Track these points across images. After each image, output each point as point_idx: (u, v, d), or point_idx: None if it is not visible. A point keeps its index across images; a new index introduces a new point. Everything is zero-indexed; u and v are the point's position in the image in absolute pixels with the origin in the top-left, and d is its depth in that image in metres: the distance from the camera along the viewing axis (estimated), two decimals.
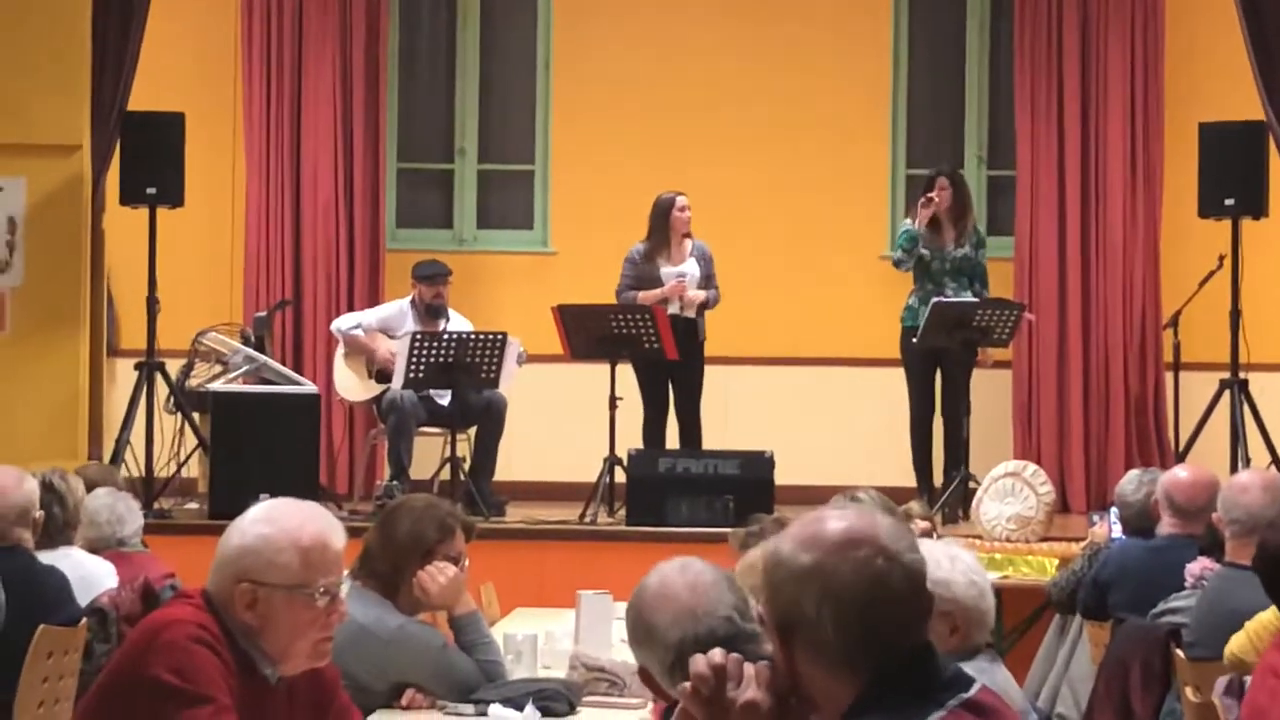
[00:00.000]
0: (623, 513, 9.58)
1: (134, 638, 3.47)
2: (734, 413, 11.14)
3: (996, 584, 5.82)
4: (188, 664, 3.30)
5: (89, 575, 6.10)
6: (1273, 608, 5.05)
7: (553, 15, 12.08)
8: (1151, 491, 6.80)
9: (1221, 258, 10.13)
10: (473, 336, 9.89)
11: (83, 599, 5.87)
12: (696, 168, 11.50)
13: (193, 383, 9.97)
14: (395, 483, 9.74)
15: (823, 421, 11.62)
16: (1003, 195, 12.04)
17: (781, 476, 9.47)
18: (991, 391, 10.98)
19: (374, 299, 11.42)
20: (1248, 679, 4.66)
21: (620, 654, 4.94)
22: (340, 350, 10.53)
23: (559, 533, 9.48)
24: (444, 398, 10.09)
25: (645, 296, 10.13)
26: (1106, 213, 11.56)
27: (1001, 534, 9.07)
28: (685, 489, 9.40)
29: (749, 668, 2.53)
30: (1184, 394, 10.68)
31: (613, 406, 9.69)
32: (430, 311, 10.38)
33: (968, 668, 2.80)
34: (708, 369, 10.38)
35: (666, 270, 10.27)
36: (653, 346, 9.83)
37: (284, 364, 10.63)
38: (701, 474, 9.47)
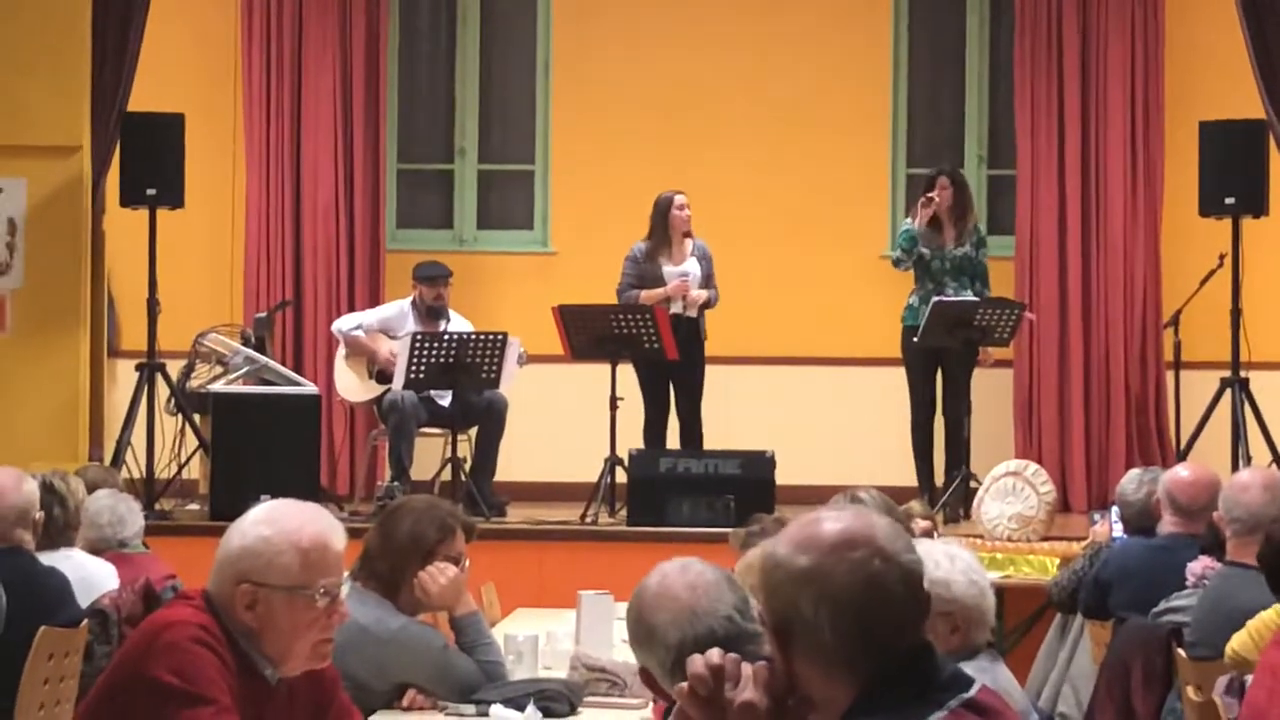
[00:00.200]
0: (624, 513, 9.58)
1: (135, 639, 3.47)
2: (735, 412, 11.14)
3: (998, 584, 5.83)
4: (188, 665, 3.30)
5: (90, 577, 6.10)
6: (1275, 606, 5.05)
7: (553, 15, 12.08)
8: (1153, 491, 6.80)
9: (1222, 256, 10.13)
10: (473, 337, 9.89)
11: (83, 600, 5.87)
12: (696, 167, 11.50)
13: (193, 384, 9.97)
14: (396, 483, 9.74)
15: (824, 421, 11.62)
16: (1003, 194, 12.04)
17: (782, 476, 9.47)
18: (992, 391, 10.98)
19: (374, 300, 11.42)
20: (1248, 678, 4.66)
21: (621, 654, 4.93)
22: (341, 351, 10.53)
23: (560, 533, 9.48)
24: (445, 398, 10.09)
25: (648, 296, 10.13)
26: (1107, 212, 11.56)
27: (1003, 533, 9.07)
28: (686, 489, 9.39)
29: (747, 668, 2.53)
30: (1185, 393, 10.67)
31: (613, 407, 9.69)
32: (431, 312, 10.38)
33: (969, 667, 2.80)
34: (709, 368, 10.38)
35: (669, 270, 10.26)
36: (653, 346, 9.83)
37: (284, 365, 10.63)
38: (702, 474, 9.46)
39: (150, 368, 9.80)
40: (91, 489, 6.66)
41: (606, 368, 9.81)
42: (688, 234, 10.38)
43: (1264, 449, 9.86)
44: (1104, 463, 11.47)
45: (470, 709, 4.68)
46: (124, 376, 10.56)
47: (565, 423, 11.16)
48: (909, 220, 10.50)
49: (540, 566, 8.99)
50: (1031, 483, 9.19)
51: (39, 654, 5.46)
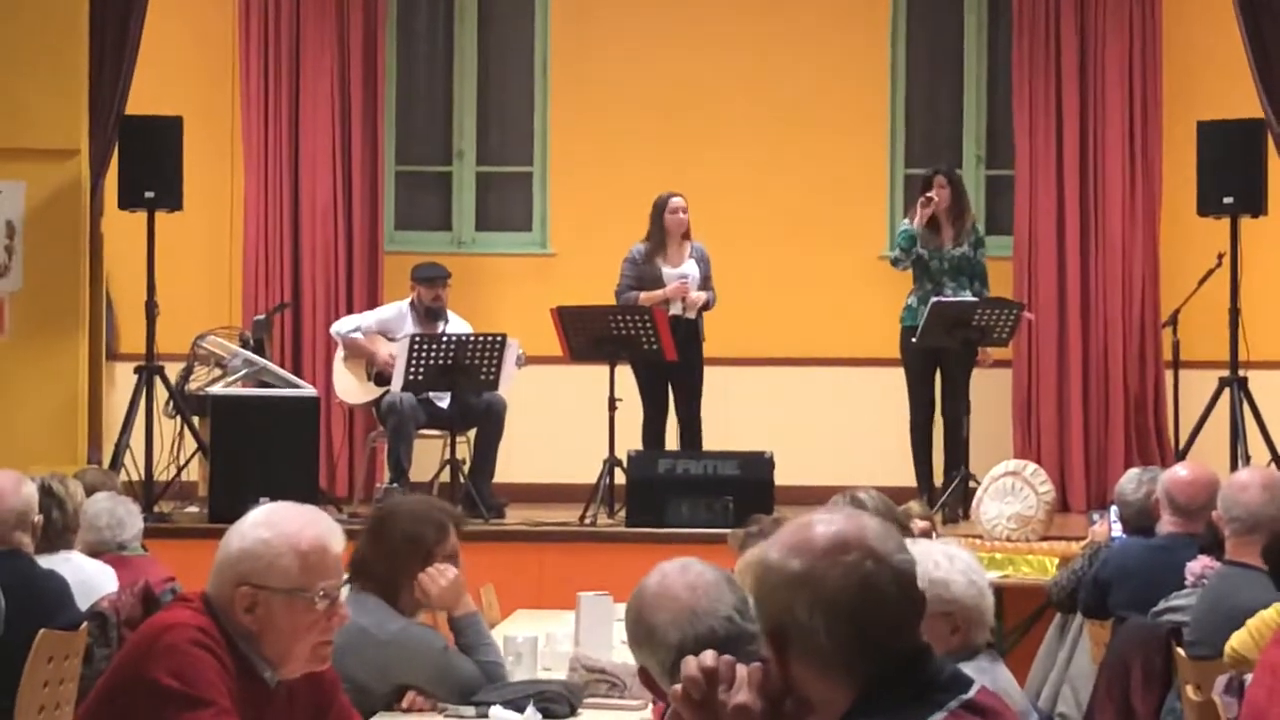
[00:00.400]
0: (623, 514, 9.58)
1: (134, 641, 3.47)
2: (733, 413, 11.14)
3: (997, 584, 5.83)
4: (188, 667, 3.30)
5: (89, 579, 6.09)
6: (1275, 605, 5.06)
7: (551, 17, 12.08)
8: (1151, 490, 6.80)
9: (1220, 256, 10.13)
10: (472, 339, 9.89)
11: (83, 603, 5.87)
12: (695, 168, 11.50)
13: (192, 386, 9.96)
14: (395, 485, 9.74)
15: (822, 422, 11.62)
16: (1002, 194, 12.04)
17: (781, 477, 9.47)
18: (991, 391, 10.98)
19: (373, 301, 11.42)
20: (1248, 677, 4.66)
21: (620, 655, 4.93)
22: (339, 353, 10.53)
23: (559, 534, 9.47)
24: (443, 400, 10.09)
25: (647, 297, 10.13)
26: (1105, 211, 11.56)
27: (1002, 533, 9.07)
28: (685, 490, 9.39)
29: (741, 670, 2.53)
30: (1183, 392, 10.67)
31: (612, 408, 9.69)
32: (429, 314, 10.38)
33: (968, 667, 2.80)
34: (708, 369, 10.38)
35: (668, 271, 10.26)
36: (652, 348, 9.83)
37: (283, 367, 10.62)
38: (701, 475, 9.46)
39: (149, 370, 9.79)
40: (90, 492, 6.66)
41: (605, 369, 9.81)
42: (686, 236, 10.38)
43: (1263, 448, 9.86)
44: (1103, 462, 11.47)
45: (470, 710, 4.68)
46: (123, 379, 10.55)
47: (564, 424, 11.16)
48: (907, 220, 10.50)
49: (539, 568, 8.99)
50: (1030, 483, 9.19)
51: (38, 657, 5.46)
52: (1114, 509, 7.38)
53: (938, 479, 10.23)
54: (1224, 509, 5.76)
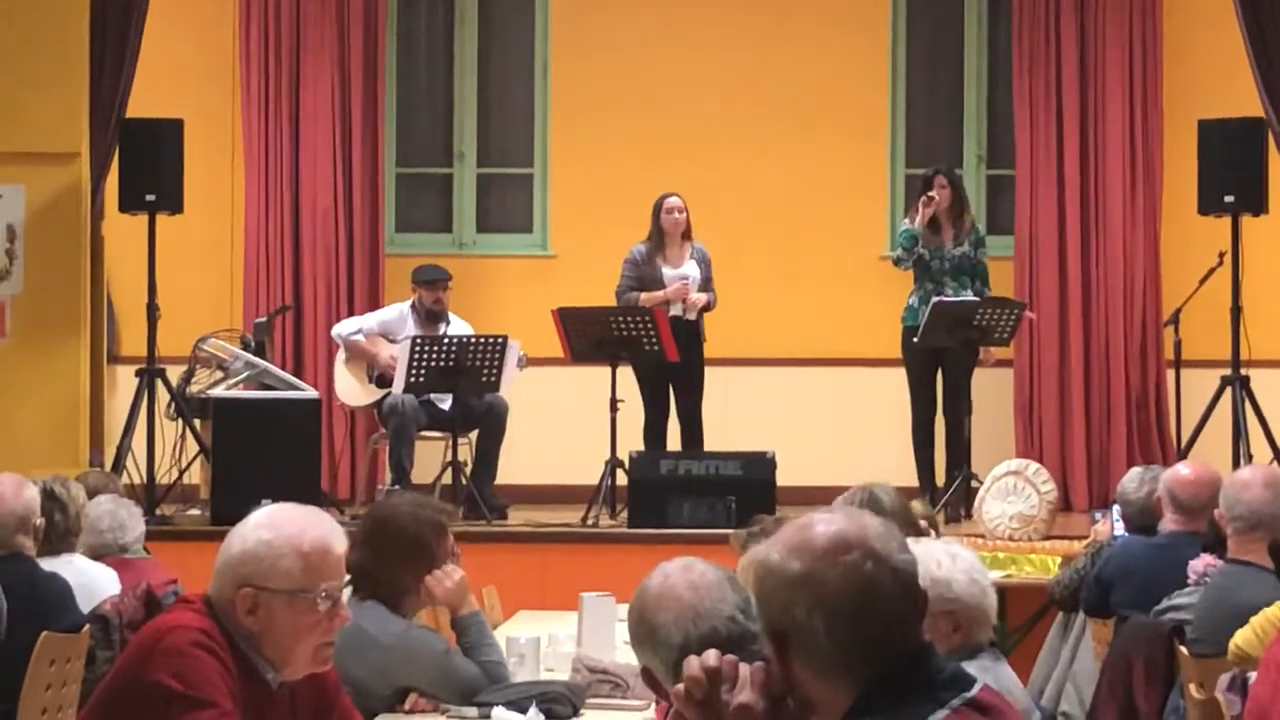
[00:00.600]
0: (624, 515, 9.57)
1: (136, 643, 3.47)
2: (735, 414, 11.14)
3: (1000, 583, 5.82)
4: (190, 669, 3.30)
5: (91, 582, 6.10)
6: (1278, 602, 5.06)
7: (550, 18, 12.08)
8: (1154, 489, 6.80)
9: (1222, 254, 10.12)
10: (473, 340, 9.89)
11: (85, 606, 5.87)
12: (696, 169, 11.50)
13: (194, 389, 9.97)
14: (397, 487, 9.74)
15: (824, 422, 11.61)
16: (1002, 194, 12.04)
17: (783, 477, 9.46)
18: (993, 390, 10.98)
19: (374, 304, 11.42)
20: (1251, 675, 4.66)
21: (623, 656, 4.93)
22: (341, 355, 10.53)
23: (561, 535, 9.47)
24: (445, 402, 10.09)
25: (647, 298, 10.13)
26: (1106, 210, 11.56)
27: (1004, 533, 9.07)
28: (687, 490, 9.39)
29: (744, 669, 2.53)
30: (1185, 391, 10.67)
31: (614, 409, 9.69)
32: (430, 315, 10.38)
33: (970, 667, 2.80)
34: (709, 370, 10.38)
35: (668, 272, 10.26)
36: (653, 348, 9.83)
37: (284, 369, 10.63)
38: (703, 475, 9.46)
39: (150, 373, 9.79)
40: (92, 494, 6.67)
41: (606, 370, 9.81)
42: (687, 236, 10.38)
43: (1265, 447, 9.86)
44: (1105, 461, 11.47)
45: (473, 711, 4.67)
46: (124, 382, 10.56)
47: (566, 425, 11.16)
48: (907, 220, 10.50)
49: (542, 569, 8.98)
50: (1032, 482, 9.18)
51: (41, 659, 5.46)
52: (1116, 508, 7.39)
53: (940, 479, 10.23)
54: (1226, 507, 5.76)
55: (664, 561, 3.11)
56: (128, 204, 9.87)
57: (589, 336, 9.85)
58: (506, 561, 8.70)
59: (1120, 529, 7.32)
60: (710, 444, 10.23)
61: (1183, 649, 5.55)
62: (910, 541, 2.65)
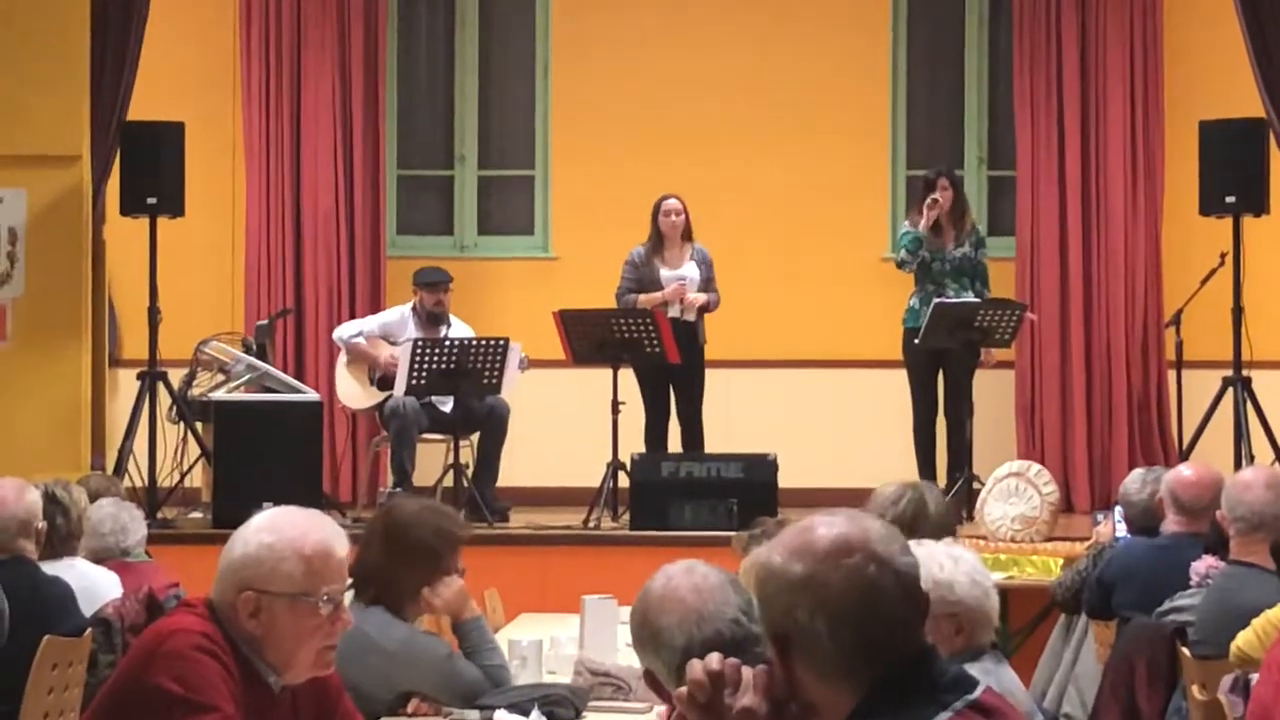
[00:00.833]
0: (626, 517, 9.57)
1: (138, 647, 3.46)
2: (736, 416, 11.14)
3: (1002, 585, 5.81)
4: (191, 673, 3.30)
5: (93, 586, 6.09)
6: None
7: (551, 19, 12.08)
8: (1156, 490, 6.80)
9: (1223, 255, 10.12)
10: (474, 342, 9.89)
11: (87, 609, 5.87)
12: (696, 169, 11.50)
13: (195, 392, 9.96)
14: (399, 490, 9.73)
15: (826, 424, 11.61)
16: (1003, 195, 12.04)
17: (785, 479, 9.46)
18: (994, 392, 10.98)
19: (375, 306, 11.43)
20: (1253, 676, 4.65)
21: (625, 658, 4.93)
22: (342, 358, 10.54)
23: (563, 538, 9.47)
24: (446, 404, 10.10)
25: (645, 299, 10.13)
26: (1107, 211, 11.56)
27: (1006, 534, 9.06)
28: (688, 493, 9.39)
29: (747, 673, 2.53)
30: (1187, 392, 10.67)
31: (615, 411, 9.69)
32: (431, 318, 10.38)
33: (973, 669, 2.80)
34: (710, 372, 10.38)
35: (666, 274, 10.27)
36: (654, 350, 9.83)
37: (286, 372, 10.63)
38: (704, 477, 9.46)
39: (152, 376, 9.79)
40: (94, 498, 6.66)
41: (608, 372, 9.81)
42: (688, 238, 10.38)
43: (1266, 448, 9.85)
44: (1106, 463, 11.46)
45: (475, 715, 4.67)
46: (125, 385, 10.56)
47: (567, 427, 11.16)
48: (907, 223, 10.49)
49: (543, 572, 8.98)
50: (1034, 483, 9.18)
51: (43, 663, 5.46)
52: (1118, 509, 7.38)
53: (941, 480, 10.21)
54: (1228, 508, 5.75)
55: (666, 564, 3.11)
56: (129, 207, 9.87)
57: (590, 338, 9.85)
58: (508, 564, 8.70)
59: (1122, 530, 7.31)
60: (712, 446, 10.23)
61: (1185, 650, 5.55)
62: (912, 544, 2.65)
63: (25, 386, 9.72)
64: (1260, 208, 10.06)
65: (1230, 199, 10.00)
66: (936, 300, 10.02)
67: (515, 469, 10.49)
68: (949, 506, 5.15)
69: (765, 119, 11.92)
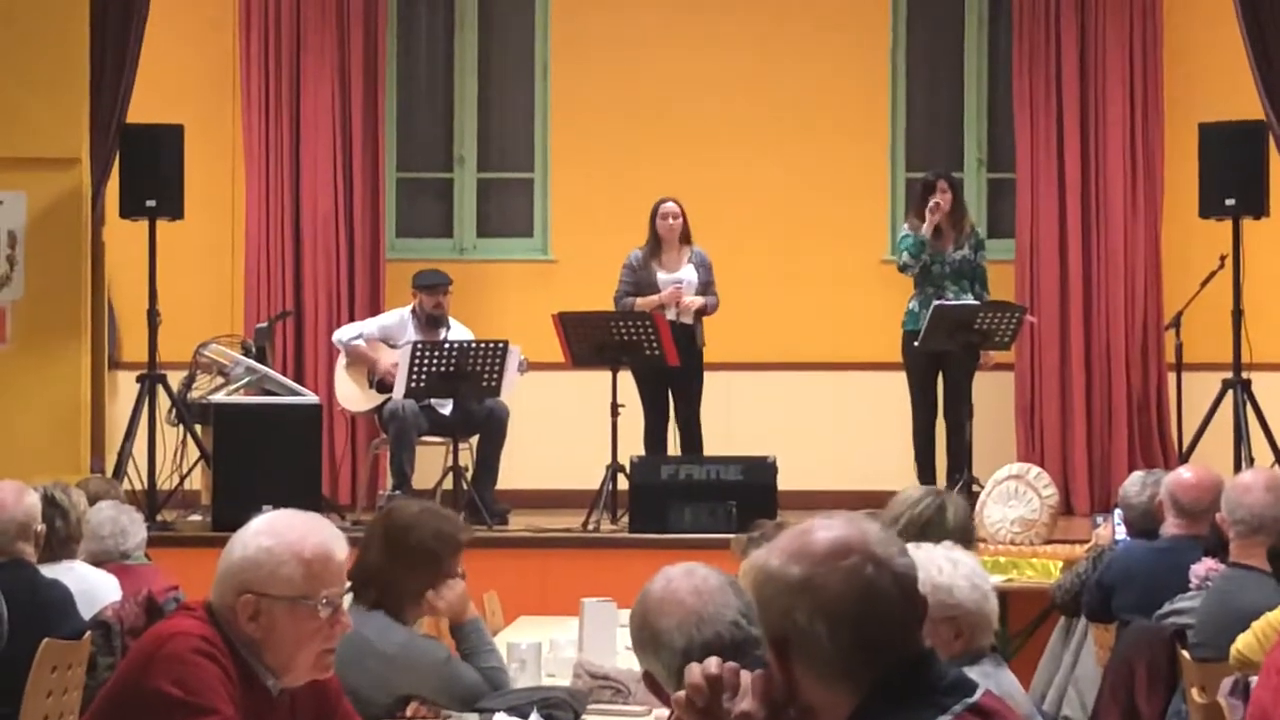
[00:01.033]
0: (625, 520, 9.57)
1: (137, 650, 3.46)
2: (736, 418, 11.14)
3: (1001, 588, 5.81)
4: (191, 676, 3.30)
5: (92, 588, 6.09)
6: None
7: (550, 22, 12.09)
8: (1155, 493, 6.79)
9: (1223, 257, 10.12)
10: (474, 345, 9.89)
11: (86, 612, 5.86)
12: (696, 172, 11.50)
13: (194, 394, 9.96)
14: (398, 492, 9.73)
15: (825, 426, 11.61)
16: (1003, 197, 12.04)
17: (784, 482, 9.46)
18: (994, 394, 10.97)
19: (374, 309, 11.43)
20: (1253, 679, 4.65)
21: (624, 661, 4.93)
22: (342, 361, 10.53)
23: (562, 541, 9.46)
24: (446, 407, 10.09)
25: (642, 303, 10.14)
26: (1107, 214, 11.56)
27: (1005, 537, 9.06)
28: (688, 495, 9.38)
29: (745, 677, 2.52)
30: (1186, 394, 10.67)
31: (614, 413, 9.69)
32: (431, 320, 10.38)
33: (972, 672, 2.79)
34: (709, 374, 10.37)
35: (663, 276, 10.27)
36: (654, 353, 9.83)
37: (285, 375, 10.62)
38: (704, 480, 9.46)
39: (151, 379, 9.79)
40: (93, 501, 6.66)
41: (607, 375, 9.81)
42: (686, 241, 10.38)
43: (1266, 450, 9.85)
44: (1106, 465, 11.46)
45: (474, 718, 4.67)
46: (125, 388, 10.55)
47: (566, 430, 11.16)
48: (906, 226, 10.49)
49: (543, 574, 8.98)
50: (1034, 486, 9.17)
51: (42, 666, 5.46)
52: (1118, 512, 7.38)
53: (940, 483, 10.21)
54: (1228, 511, 5.75)
55: (666, 566, 3.11)
56: (128, 209, 9.87)
57: (589, 341, 9.85)
58: (507, 567, 8.69)
59: (1122, 533, 7.31)
60: (711, 448, 10.23)
61: (1185, 653, 5.55)
62: (910, 547, 2.65)
63: (25, 389, 9.72)
64: (1260, 210, 10.06)
65: (1230, 201, 10.00)
66: (936, 303, 10.02)
67: (514, 471, 10.49)
68: (969, 519, 5.11)
69: (765, 119, 11.92)
